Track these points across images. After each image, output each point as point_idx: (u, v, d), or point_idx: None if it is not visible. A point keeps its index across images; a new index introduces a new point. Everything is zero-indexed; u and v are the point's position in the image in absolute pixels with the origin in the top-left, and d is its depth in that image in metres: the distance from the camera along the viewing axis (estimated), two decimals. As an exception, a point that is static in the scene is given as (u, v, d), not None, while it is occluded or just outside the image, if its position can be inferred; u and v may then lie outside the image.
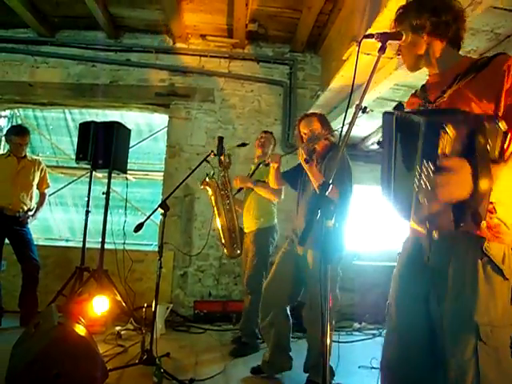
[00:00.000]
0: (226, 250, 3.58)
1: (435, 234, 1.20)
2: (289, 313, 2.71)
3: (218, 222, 3.49)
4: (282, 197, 3.36)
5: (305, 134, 2.65)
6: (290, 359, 2.72)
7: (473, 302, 1.24)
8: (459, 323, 1.27)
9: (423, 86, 1.56)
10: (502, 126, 1.10)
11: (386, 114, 1.39)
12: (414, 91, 1.60)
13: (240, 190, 3.55)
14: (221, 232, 3.50)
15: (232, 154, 3.60)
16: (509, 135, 1.21)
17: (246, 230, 3.49)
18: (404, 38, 1.39)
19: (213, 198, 3.46)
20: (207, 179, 3.43)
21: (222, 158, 3.39)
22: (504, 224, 1.28)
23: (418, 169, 1.15)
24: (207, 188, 3.45)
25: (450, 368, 1.27)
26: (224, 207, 3.45)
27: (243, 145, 3.55)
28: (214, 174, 3.44)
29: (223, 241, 3.52)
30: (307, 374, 2.59)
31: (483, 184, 1.10)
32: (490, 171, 1.11)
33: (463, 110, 1.25)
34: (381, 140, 1.43)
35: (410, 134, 1.20)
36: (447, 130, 1.06)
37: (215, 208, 3.46)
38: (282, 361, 2.70)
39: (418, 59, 1.47)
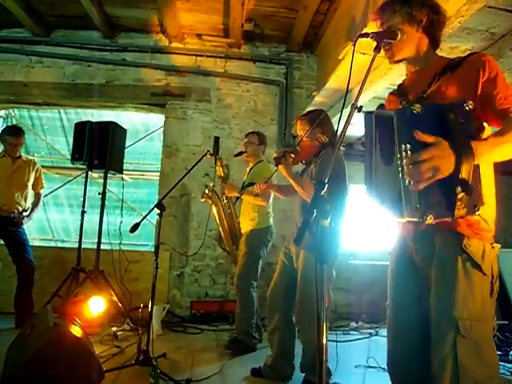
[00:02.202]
0: (230, 256, 3.72)
1: (430, 219, 1.17)
2: (293, 319, 2.67)
3: (222, 231, 3.61)
4: (271, 200, 3.36)
5: (298, 135, 2.69)
6: (292, 367, 2.68)
7: (452, 298, 1.27)
8: (441, 319, 1.30)
9: (400, 85, 1.58)
10: (470, 105, 1.13)
11: (366, 113, 1.40)
12: (392, 90, 1.62)
13: (238, 198, 3.57)
14: (225, 239, 3.62)
15: (229, 163, 3.63)
16: (486, 125, 1.29)
17: (242, 231, 3.50)
18: (399, 37, 1.39)
19: (215, 208, 3.54)
20: (206, 191, 3.50)
21: (220, 169, 3.47)
22: (484, 220, 1.31)
23: (399, 155, 1.17)
24: (208, 200, 3.53)
25: (433, 364, 1.30)
26: (226, 215, 3.54)
27: (240, 153, 3.56)
28: (214, 186, 3.49)
29: (228, 248, 3.64)
30: (303, 374, 2.59)
31: (466, 155, 1.12)
32: (469, 144, 1.13)
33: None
34: (363, 141, 1.45)
35: (387, 130, 1.23)
36: (415, 108, 1.11)
37: (217, 218, 3.57)
38: (284, 367, 2.67)
39: (412, 51, 1.46)
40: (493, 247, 1.32)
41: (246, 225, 3.43)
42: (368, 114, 1.39)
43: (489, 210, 1.33)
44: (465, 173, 1.12)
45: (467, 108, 1.14)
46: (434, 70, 1.40)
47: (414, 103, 1.33)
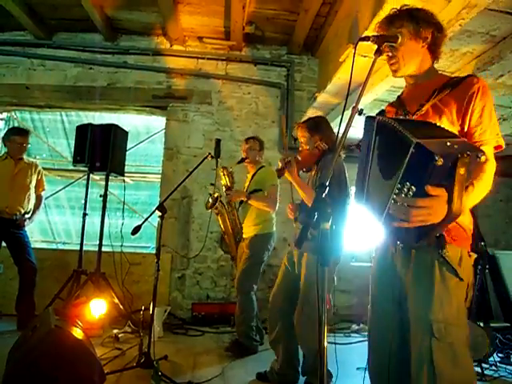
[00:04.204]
0: (234, 261, 3.75)
1: (399, 246, 1.32)
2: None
3: (227, 237, 3.68)
4: (277, 208, 3.38)
5: (299, 141, 2.71)
6: (297, 373, 2.66)
7: (428, 301, 1.28)
8: (417, 322, 1.31)
9: (399, 97, 1.61)
10: (483, 158, 1.11)
11: (367, 117, 1.41)
12: (391, 101, 1.64)
13: (242, 202, 3.57)
14: (229, 244, 3.68)
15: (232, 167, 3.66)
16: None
17: (244, 236, 3.50)
18: (400, 40, 1.40)
19: (220, 218, 3.60)
20: (210, 200, 3.52)
21: (226, 178, 3.53)
22: (461, 227, 1.34)
23: (399, 185, 1.17)
24: (215, 211, 3.57)
25: (411, 367, 1.31)
26: (231, 222, 3.59)
27: (242, 160, 3.56)
28: (220, 196, 3.54)
29: (233, 253, 3.71)
30: (305, 377, 2.58)
31: (455, 211, 1.12)
32: (462, 199, 1.13)
33: (443, 126, 1.29)
34: (360, 143, 1.45)
35: (392, 143, 1.22)
36: (437, 160, 1.05)
37: (222, 225, 3.64)
38: (289, 374, 2.65)
39: (416, 66, 1.49)
40: (470, 255, 1.34)
41: (249, 230, 3.44)
42: (369, 118, 1.39)
43: (465, 218, 1.35)
44: (444, 226, 1.18)
45: (479, 160, 1.11)
46: (433, 85, 1.43)
47: (412, 115, 1.40)
